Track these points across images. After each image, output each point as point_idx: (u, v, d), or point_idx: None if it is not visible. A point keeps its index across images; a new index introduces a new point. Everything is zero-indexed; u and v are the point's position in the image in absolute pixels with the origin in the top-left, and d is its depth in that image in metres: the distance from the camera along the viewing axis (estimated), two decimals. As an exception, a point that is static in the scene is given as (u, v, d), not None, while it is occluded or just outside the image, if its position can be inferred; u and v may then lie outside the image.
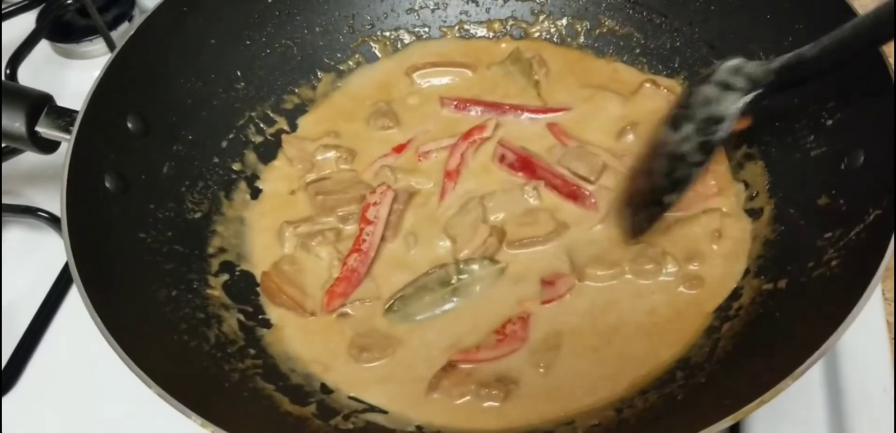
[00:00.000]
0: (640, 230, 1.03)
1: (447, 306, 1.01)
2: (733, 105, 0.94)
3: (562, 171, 1.12)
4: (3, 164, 1.25)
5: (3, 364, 1.10)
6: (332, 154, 1.18)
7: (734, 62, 0.94)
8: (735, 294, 0.98)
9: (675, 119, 0.99)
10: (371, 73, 1.30)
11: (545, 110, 1.20)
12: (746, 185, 1.07)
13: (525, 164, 1.14)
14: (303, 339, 1.02)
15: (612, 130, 1.17)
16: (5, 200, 1.27)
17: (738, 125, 0.96)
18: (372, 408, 0.94)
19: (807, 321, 0.84)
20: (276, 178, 1.19)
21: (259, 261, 1.10)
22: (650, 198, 1.02)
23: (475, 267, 1.03)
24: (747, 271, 0.99)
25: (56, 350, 1.13)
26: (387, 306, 1.02)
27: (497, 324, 0.98)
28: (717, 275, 1.00)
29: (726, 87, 0.94)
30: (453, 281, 1.02)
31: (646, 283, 1.00)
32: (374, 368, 0.98)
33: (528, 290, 1.02)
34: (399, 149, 1.19)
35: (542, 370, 0.94)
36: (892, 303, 1.07)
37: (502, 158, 1.15)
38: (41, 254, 1.22)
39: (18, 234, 1.26)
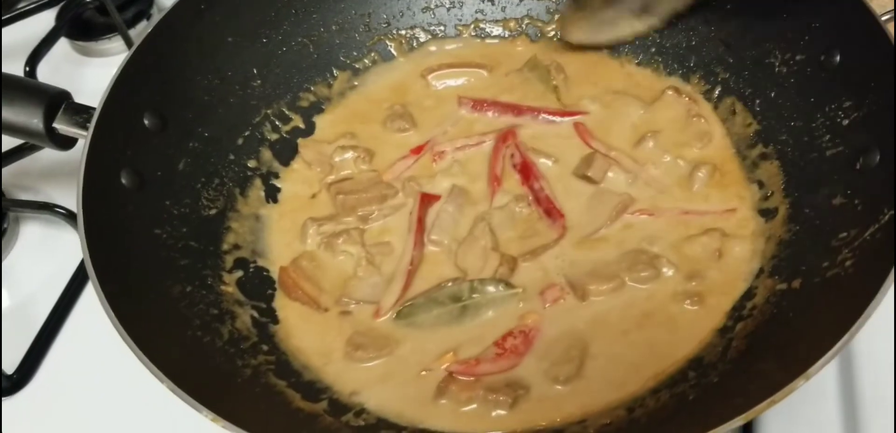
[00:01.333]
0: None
1: (454, 322, 1.00)
2: None
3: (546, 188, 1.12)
4: (21, 161, 1.26)
5: (20, 359, 1.10)
6: (350, 154, 1.18)
7: None
8: (749, 293, 0.97)
9: None
10: (386, 73, 1.30)
11: (563, 113, 1.20)
12: (761, 185, 1.06)
13: (523, 169, 1.14)
14: (303, 333, 1.02)
15: (631, 136, 1.16)
16: (23, 196, 1.29)
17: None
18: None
19: (820, 322, 0.83)
20: (296, 180, 1.19)
21: (278, 257, 1.10)
22: None
23: (490, 289, 1.02)
24: (761, 271, 0.98)
25: (72, 346, 1.14)
26: (398, 310, 1.02)
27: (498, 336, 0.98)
28: (716, 292, 0.99)
29: None
30: (465, 299, 1.01)
31: (647, 288, 1.00)
32: (372, 368, 0.97)
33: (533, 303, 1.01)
34: (417, 150, 1.19)
35: (560, 385, 0.93)
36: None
37: (512, 157, 1.15)
38: (58, 250, 1.23)
39: (36, 231, 1.27)
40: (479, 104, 1.23)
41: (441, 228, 1.08)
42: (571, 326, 0.98)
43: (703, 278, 1.00)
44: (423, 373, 0.96)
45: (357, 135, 1.22)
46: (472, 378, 0.94)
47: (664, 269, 1.01)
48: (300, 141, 1.22)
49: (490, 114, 1.22)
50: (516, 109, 1.21)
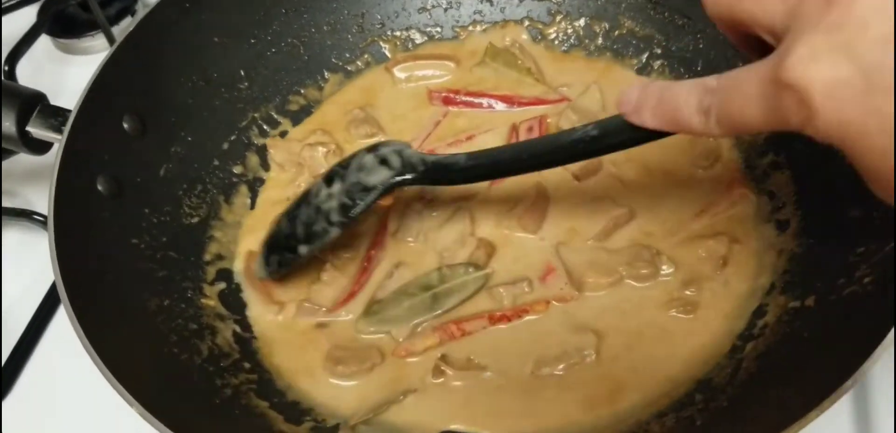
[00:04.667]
0: (271, 273, 1.01)
1: (427, 314, 0.96)
2: (380, 180, 0.94)
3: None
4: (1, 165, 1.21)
5: (-3, 371, 1.07)
6: (321, 150, 1.13)
7: (399, 144, 0.96)
8: (759, 311, 0.92)
9: (331, 175, 0.99)
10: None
11: (540, 101, 1.16)
12: (772, 196, 1.01)
13: None
14: (282, 351, 0.98)
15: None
16: (2, 201, 1.24)
17: (383, 201, 1.00)
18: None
19: (837, 343, 0.79)
20: (271, 186, 1.15)
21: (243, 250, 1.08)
22: (286, 242, 1.00)
23: (459, 271, 0.98)
24: (773, 287, 0.93)
25: (53, 356, 1.09)
26: (364, 308, 0.98)
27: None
28: (710, 309, 0.94)
29: (383, 161, 0.95)
30: (435, 286, 0.98)
31: (645, 287, 0.96)
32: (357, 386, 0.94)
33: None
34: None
35: (590, 357, 0.90)
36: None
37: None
38: (38, 257, 1.17)
39: (15, 237, 1.23)
40: (450, 98, 1.19)
41: (407, 226, 1.05)
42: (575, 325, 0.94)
43: (701, 287, 0.95)
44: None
45: (329, 132, 1.18)
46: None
47: (663, 268, 0.97)
48: (268, 141, 1.17)
49: (463, 108, 1.18)
50: (489, 98, 1.18)
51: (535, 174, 1.03)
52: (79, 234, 0.91)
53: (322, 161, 1.13)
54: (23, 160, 1.17)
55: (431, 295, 0.97)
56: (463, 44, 1.27)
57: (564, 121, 1.11)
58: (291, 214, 1.00)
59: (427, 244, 1.03)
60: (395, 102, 1.21)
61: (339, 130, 1.18)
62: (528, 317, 0.95)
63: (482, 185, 1.06)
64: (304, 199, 1.00)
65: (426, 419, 0.89)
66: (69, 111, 0.97)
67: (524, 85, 1.19)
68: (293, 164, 1.14)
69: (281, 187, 1.14)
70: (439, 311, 0.96)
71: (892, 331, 0.70)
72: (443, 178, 0.95)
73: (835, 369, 0.70)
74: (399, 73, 1.23)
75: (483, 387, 0.91)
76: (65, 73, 1.47)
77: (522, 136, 1.12)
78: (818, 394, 0.68)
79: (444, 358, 0.92)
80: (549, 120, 1.13)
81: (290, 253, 0.99)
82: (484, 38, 1.26)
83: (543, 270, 0.98)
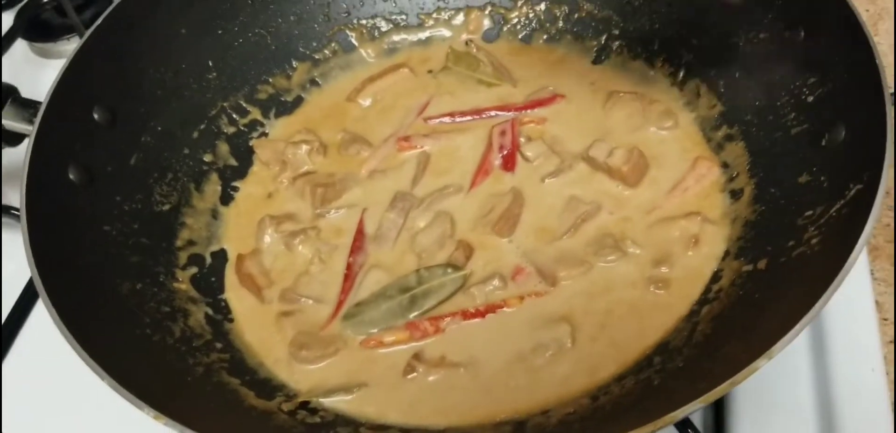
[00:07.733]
0: None
1: (404, 317, 0.97)
2: None
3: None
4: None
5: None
6: (303, 149, 1.15)
7: None
8: (715, 277, 0.95)
9: None
10: (346, 69, 1.29)
11: (532, 104, 1.18)
12: (726, 166, 1.04)
13: (507, 160, 1.11)
14: (252, 332, 1.00)
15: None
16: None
17: None
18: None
19: (786, 300, 0.81)
20: (252, 181, 1.17)
21: (233, 254, 1.09)
22: None
23: (437, 272, 1.00)
24: (727, 253, 0.96)
25: (29, 354, 1.11)
26: (344, 313, 0.99)
27: None
28: (683, 281, 0.96)
29: None
30: (413, 288, 0.99)
31: (614, 267, 0.98)
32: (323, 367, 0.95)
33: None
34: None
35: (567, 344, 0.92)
36: (887, 284, 1.06)
37: (500, 148, 1.12)
38: (15, 254, 1.18)
39: (-8, 234, 1.23)
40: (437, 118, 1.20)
41: (382, 238, 1.06)
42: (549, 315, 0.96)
43: (674, 264, 0.97)
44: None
45: (312, 130, 1.20)
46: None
47: (630, 250, 0.99)
48: (254, 142, 1.19)
49: (449, 120, 1.19)
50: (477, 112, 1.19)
51: (510, 179, 1.09)
52: (51, 222, 0.92)
53: (305, 158, 1.15)
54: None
55: (409, 296, 0.98)
56: (420, 49, 1.30)
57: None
58: None
59: (406, 246, 1.05)
60: (367, 115, 1.23)
61: (323, 130, 1.20)
62: (503, 311, 0.96)
63: (463, 186, 1.09)
64: None
65: (374, 411, 0.91)
66: (40, 103, 0.98)
67: (486, 89, 1.21)
68: (277, 161, 1.16)
69: (263, 184, 1.16)
70: (417, 312, 0.97)
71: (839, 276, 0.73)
72: None
73: (782, 323, 0.72)
74: (363, 100, 1.24)
75: (453, 383, 0.92)
76: (41, 77, 1.46)
77: (495, 140, 1.13)
78: (764, 345, 0.70)
79: (416, 356, 0.93)
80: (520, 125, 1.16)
81: None
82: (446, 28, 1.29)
83: (513, 271, 1.00)
